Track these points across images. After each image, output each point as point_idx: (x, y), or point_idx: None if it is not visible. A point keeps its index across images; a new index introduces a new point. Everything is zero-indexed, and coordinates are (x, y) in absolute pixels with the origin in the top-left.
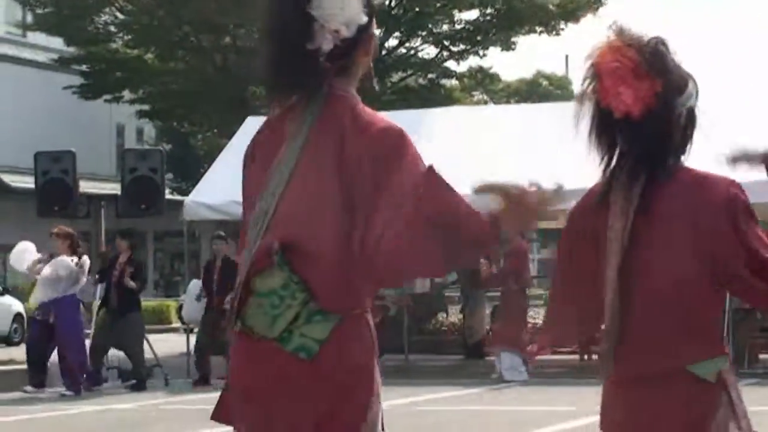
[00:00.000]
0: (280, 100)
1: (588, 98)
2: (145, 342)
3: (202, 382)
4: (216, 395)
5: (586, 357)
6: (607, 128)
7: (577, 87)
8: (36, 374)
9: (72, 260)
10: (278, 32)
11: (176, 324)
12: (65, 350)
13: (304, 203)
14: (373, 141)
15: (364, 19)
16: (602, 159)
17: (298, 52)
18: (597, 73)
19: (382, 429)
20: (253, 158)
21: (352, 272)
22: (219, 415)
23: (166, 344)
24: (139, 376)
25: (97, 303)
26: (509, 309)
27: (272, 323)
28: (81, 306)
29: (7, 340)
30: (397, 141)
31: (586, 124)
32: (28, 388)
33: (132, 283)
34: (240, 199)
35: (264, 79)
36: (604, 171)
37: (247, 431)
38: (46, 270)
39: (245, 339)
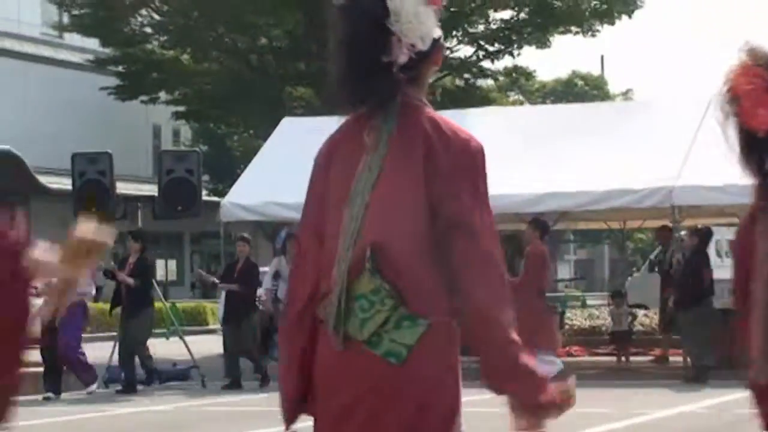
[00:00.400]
0: (354, 108)
1: (731, 121)
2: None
3: (234, 385)
4: (249, 397)
5: (623, 359)
6: (753, 150)
7: (612, 87)
8: (54, 380)
9: None
10: (354, 44)
11: (213, 325)
12: (68, 351)
13: (391, 211)
14: (458, 154)
15: (439, 32)
16: (755, 180)
17: (374, 64)
18: (734, 96)
19: None
20: (329, 161)
21: (440, 278)
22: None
23: (203, 345)
24: (148, 373)
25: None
26: (526, 315)
27: (362, 326)
28: (86, 308)
29: None
30: (476, 155)
31: (732, 146)
32: (48, 394)
33: (129, 280)
34: (277, 199)
35: (337, 90)
36: (759, 191)
37: (330, 428)
38: None
39: (334, 340)
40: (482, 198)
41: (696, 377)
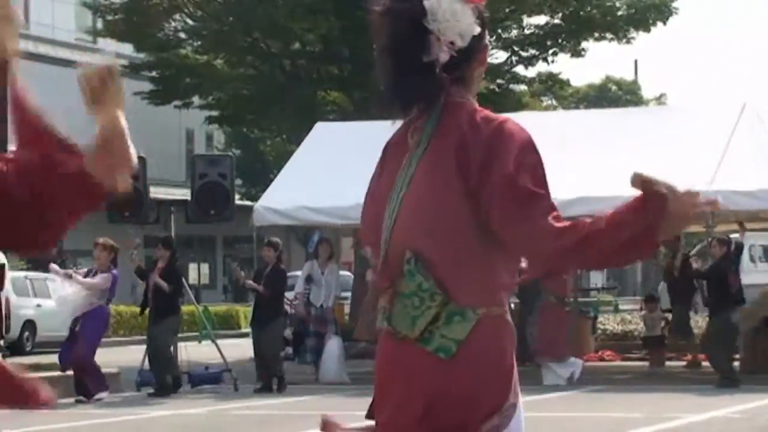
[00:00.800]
0: (402, 112)
1: None
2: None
3: (266, 388)
4: (282, 400)
5: (656, 364)
6: None
7: (646, 91)
8: (82, 384)
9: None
10: (395, 47)
11: (245, 329)
12: (87, 356)
13: (428, 207)
14: (490, 138)
15: (477, 29)
16: None
17: (416, 65)
18: None
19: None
20: (383, 164)
21: (488, 270)
22: (371, 413)
23: (236, 349)
24: (162, 383)
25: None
26: (546, 322)
27: (413, 323)
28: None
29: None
30: (510, 131)
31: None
32: (80, 398)
33: (163, 283)
34: (309, 203)
35: (383, 93)
36: None
37: (385, 424)
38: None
39: (389, 338)
40: (523, 168)
41: (722, 384)
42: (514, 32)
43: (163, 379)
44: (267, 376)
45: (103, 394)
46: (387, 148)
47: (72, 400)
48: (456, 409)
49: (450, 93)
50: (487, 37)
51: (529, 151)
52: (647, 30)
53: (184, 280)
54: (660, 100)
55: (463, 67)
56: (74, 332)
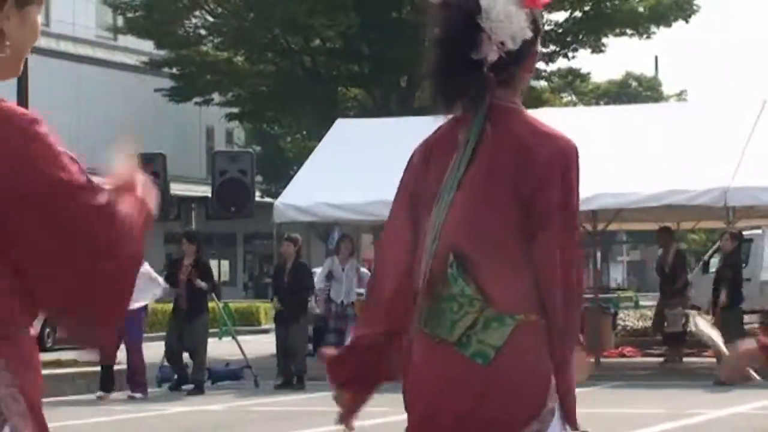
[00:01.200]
0: (445, 107)
1: None
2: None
3: (286, 385)
4: (303, 396)
5: (676, 359)
6: None
7: (666, 88)
8: (106, 378)
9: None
10: (445, 40)
11: (266, 325)
12: (131, 354)
13: (477, 212)
14: (548, 154)
15: (529, 34)
16: None
17: (463, 60)
18: None
19: None
20: (427, 161)
21: (527, 278)
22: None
23: (256, 346)
24: (198, 381)
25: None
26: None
27: (452, 328)
28: (146, 309)
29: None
30: (571, 157)
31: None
32: (99, 393)
33: (202, 283)
34: (329, 200)
35: (429, 85)
36: None
37: (415, 424)
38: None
39: (425, 341)
40: (570, 197)
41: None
42: None
43: (202, 376)
44: (288, 373)
45: (138, 395)
46: (431, 144)
47: (93, 396)
48: (493, 414)
49: (497, 95)
50: (539, 44)
51: (576, 188)
52: (668, 26)
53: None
54: (680, 96)
55: (511, 70)
56: None
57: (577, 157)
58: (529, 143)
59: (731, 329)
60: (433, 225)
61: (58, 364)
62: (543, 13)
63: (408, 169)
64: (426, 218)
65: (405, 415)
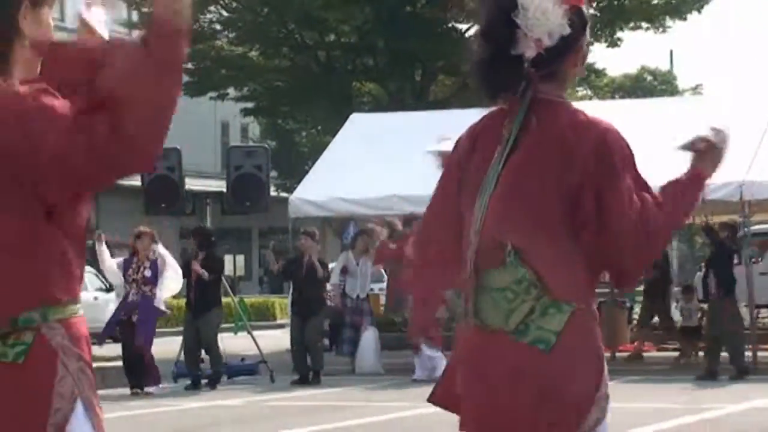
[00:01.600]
0: (488, 99)
1: None
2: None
3: (302, 380)
4: (318, 391)
5: (691, 354)
6: None
7: (681, 82)
8: (135, 375)
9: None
10: (485, 35)
11: (281, 320)
12: (145, 348)
13: (525, 202)
14: (594, 145)
15: (567, 30)
16: None
17: (503, 56)
18: None
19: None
20: (471, 151)
21: (577, 268)
22: (435, 397)
23: (272, 340)
24: (215, 375)
25: None
26: None
27: (507, 317)
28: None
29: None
30: (614, 140)
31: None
32: (136, 390)
33: (202, 270)
34: (344, 195)
35: (473, 79)
36: None
37: (474, 416)
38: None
39: (477, 331)
40: (618, 179)
41: (709, 375)
42: None
43: (199, 372)
44: (304, 368)
45: (152, 389)
46: (476, 134)
47: (108, 392)
48: (557, 398)
49: (541, 89)
50: (586, 38)
51: (630, 166)
52: (683, 18)
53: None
54: (696, 90)
55: (553, 65)
56: (124, 322)
57: (618, 139)
58: (571, 135)
59: (723, 318)
60: (476, 218)
61: None
62: (587, 7)
63: (451, 157)
64: (469, 208)
65: (426, 409)
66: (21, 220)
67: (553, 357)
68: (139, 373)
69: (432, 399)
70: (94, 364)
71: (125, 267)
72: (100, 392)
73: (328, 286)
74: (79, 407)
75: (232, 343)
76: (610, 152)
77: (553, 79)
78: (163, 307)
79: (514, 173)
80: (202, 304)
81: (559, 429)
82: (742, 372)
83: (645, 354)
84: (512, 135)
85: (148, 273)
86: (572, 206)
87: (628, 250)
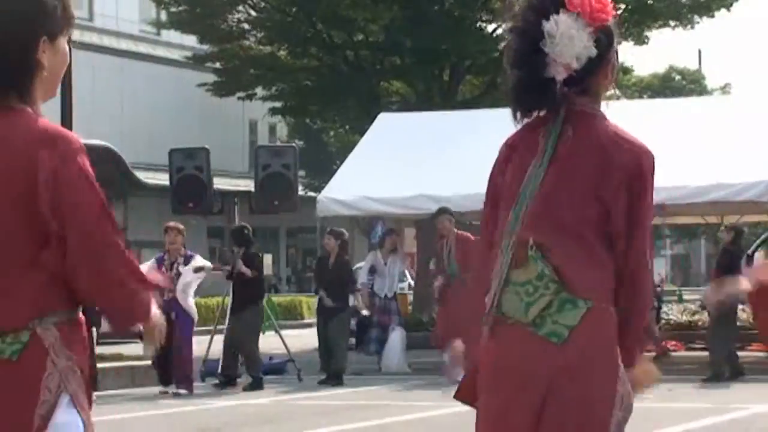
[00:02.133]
0: (523, 117)
1: None
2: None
3: (329, 380)
4: (345, 391)
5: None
6: None
7: (710, 81)
8: (165, 372)
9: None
10: (517, 62)
11: (309, 319)
12: (181, 348)
13: (558, 206)
14: (629, 163)
15: (594, 52)
16: None
17: (536, 79)
18: None
19: None
20: (507, 162)
21: (601, 269)
22: (461, 395)
23: (299, 339)
24: (253, 375)
25: None
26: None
27: (526, 309)
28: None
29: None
30: (649, 165)
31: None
32: (162, 388)
33: (245, 268)
34: (372, 194)
35: (510, 101)
36: None
37: (499, 404)
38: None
39: (500, 323)
40: (648, 206)
41: (714, 377)
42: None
43: (257, 371)
44: (335, 366)
45: (183, 390)
46: (513, 145)
47: (137, 390)
48: (570, 390)
49: (576, 103)
50: (615, 52)
51: (651, 191)
52: (711, 15)
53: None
54: (724, 89)
55: (585, 82)
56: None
57: (652, 164)
58: (609, 149)
59: (726, 322)
60: (512, 225)
61: (101, 358)
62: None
63: (492, 170)
64: (505, 217)
65: (451, 409)
66: (26, 241)
67: (564, 350)
68: (169, 372)
69: (457, 395)
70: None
71: (158, 266)
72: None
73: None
74: (65, 400)
75: (260, 342)
76: (645, 174)
77: (587, 93)
78: (193, 311)
79: (552, 182)
80: (238, 303)
81: (572, 425)
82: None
83: (673, 353)
84: (549, 145)
85: (181, 269)
86: (606, 216)
87: (639, 265)
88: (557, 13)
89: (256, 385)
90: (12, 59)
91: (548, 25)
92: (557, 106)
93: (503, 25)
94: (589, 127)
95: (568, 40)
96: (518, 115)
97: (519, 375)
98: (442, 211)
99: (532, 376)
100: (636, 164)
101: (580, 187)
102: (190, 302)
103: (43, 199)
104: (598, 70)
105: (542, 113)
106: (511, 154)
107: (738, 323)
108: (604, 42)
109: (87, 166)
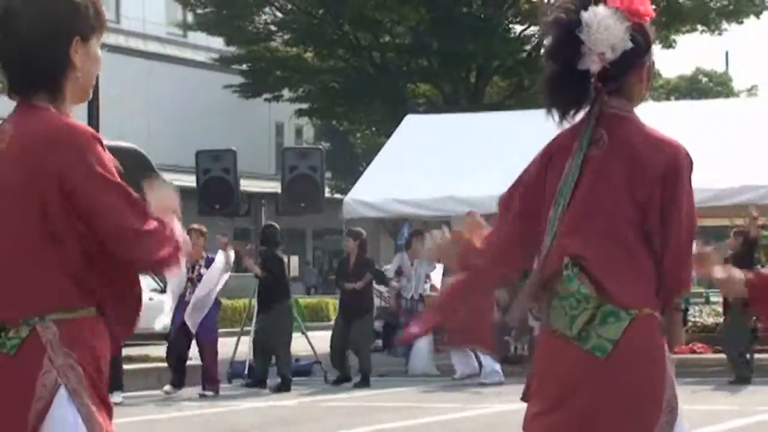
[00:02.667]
0: (560, 116)
1: None
2: (301, 339)
3: (341, 381)
4: (371, 392)
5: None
6: None
7: (737, 83)
8: (176, 373)
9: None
10: (552, 53)
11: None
12: (204, 350)
13: (593, 213)
14: (663, 162)
15: (629, 44)
16: None
17: (570, 71)
18: None
19: None
20: (549, 161)
21: (642, 273)
22: (526, 396)
23: (326, 341)
24: (282, 375)
25: None
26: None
27: (571, 323)
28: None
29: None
30: (683, 162)
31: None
32: (167, 387)
33: (251, 264)
34: (399, 196)
35: (543, 98)
36: None
37: (542, 413)
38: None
39: (547, 334)
40: (684, 203)
41: (739, 380)
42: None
43: (284, 371)
44: (343, 368)
45: (209, 393)
46: (551, 149)
47: (159, 391)
48: (613, 403)
49: (610, 104)
50: (651, 56)
51: (690, 187)
52: (739, 22)
53: None
54: (751, 91)
55: (619, 80)
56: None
57: (688, 162)
58: (641, 149)
59: (739, 330)
60: (550, 226)
61: (128, 359)
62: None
63: (530, 164)
64: (545, 215)
65: (477, 411)
66: (34, 239)
67: (609, 364)
68: (182, 373)
69: (524, 398)
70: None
71: None
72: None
73: (383, 288)
74: (64, 396)
75: None
76: (679, 172)
77: (621, 94)
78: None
79: (587, 185)
80: (261, 303)
81: None
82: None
83: (700, 356)
84: (582, 149)
85: (203, 271)
86: (643, 217)
87: (676, 264)
88: (596, 5)
89: (284, 386)
90: (43, 57)
91: (587, 15)
92: (591, 102)
93: (543, 18)
94: (622, 129)
95: (605, 29)
96: (553, 111)
97: (563, 387)
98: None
99: (574, 390)
100: (668, 162)
101: (615, 189)
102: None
103: (54, 201)
104: (633, 71)
105: (580, 115)
106: (550, 159)
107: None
108: (641, 42)
109: (98, 160)
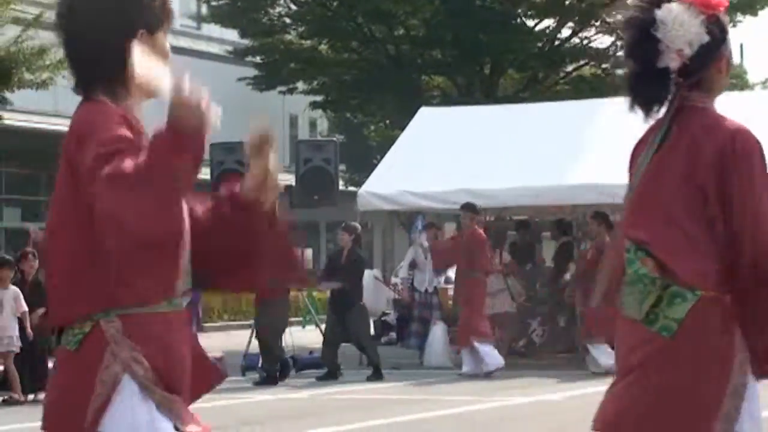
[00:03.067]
0: (644, 114)
1: None
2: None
3: (329, 376)
4: (385, 385)
5: None
6: None
7: (752, 76)
8: None
9: None
10: (631, 53)
11: None
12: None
13: (653, 199)
14: (721, 143)
15: (706, 38)
16: None
17: (650, 70)
18: None
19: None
20: (633, 157)
21: (705, 256)
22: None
23: None
24: (268, 370)
25: None
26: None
27: (639, 306)
28: None
29: None
30: (743, 145)
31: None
32: None
33: None
34: (413, 188)
35: (626, 92)
36: None
37: (616, 389)
38: None
39: (623, 319)
40: (746, 186)
41: None
42: (619, 17)
43: (270, 368)
44: (334, 364)
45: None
46: (636, 145)
47: None
48: (681, 384)
49: (689, 98)
50: (728, 46)
51: (757, 165)
52: (754, 14)
53: None
54: (766, 84)
55: (699, 73)
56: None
57: (749, 146)
58: (700, 135)
59: None
60: (625, 215)
61: None
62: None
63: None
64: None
65: (492, 404)
66: (88, 236)
67: (675, 343)
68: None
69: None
70: None
71: None
72: None
73: (397, 280)
74: (124, 392)
75: (300, 336)
76: (736, 152)
77: (701, 87)
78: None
79: (650, 173)
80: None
81: (686, 421)
82: None
83: None
84: (656, 141)
85: None
86: (704, 201)
87: (745, 246)
88: (669, 2)
89: (268, 380)
90: (107, 51)
91: (660, 12)
92: (669, 98)
93: (617, 16)
94: (689, 119)
95: (679, 25)
96: (635, 106)
97: (630, 368)
98: (463, 207)
99: (643, 370)
100: (724, 145)
101: (674, 175)
102: None
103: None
104: (712, 64)
105: (663, 110)
106: (635, 153)
107: None
108: (717, 34)
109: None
